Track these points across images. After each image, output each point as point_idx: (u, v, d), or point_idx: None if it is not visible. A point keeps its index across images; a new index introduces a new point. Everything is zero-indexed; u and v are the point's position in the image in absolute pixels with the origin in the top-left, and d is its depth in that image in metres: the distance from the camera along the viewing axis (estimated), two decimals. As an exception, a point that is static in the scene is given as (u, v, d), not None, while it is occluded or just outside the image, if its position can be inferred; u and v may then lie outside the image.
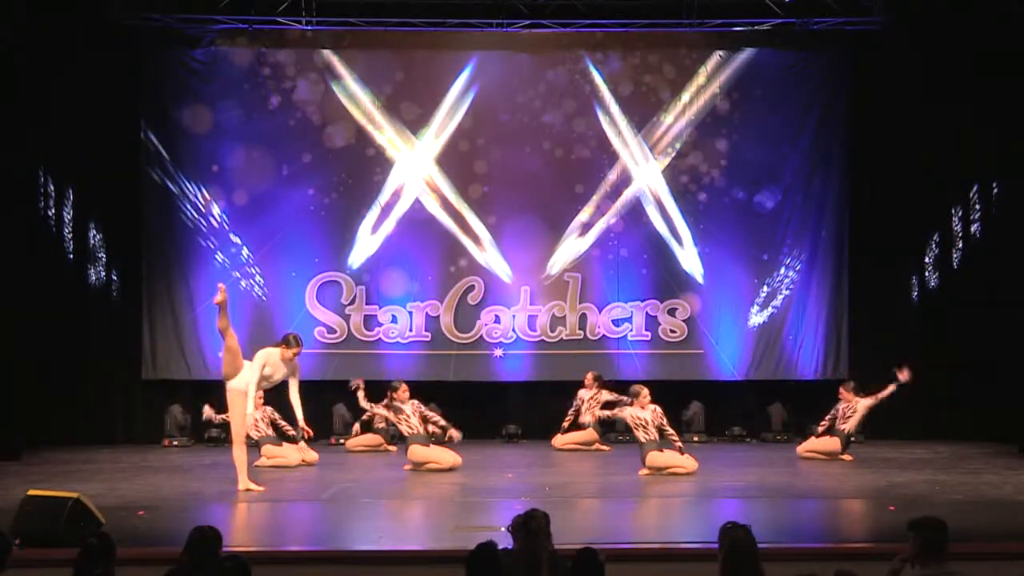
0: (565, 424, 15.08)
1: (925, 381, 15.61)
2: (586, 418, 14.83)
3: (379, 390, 15.57)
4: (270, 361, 11.65)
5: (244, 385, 11.55)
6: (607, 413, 13.50)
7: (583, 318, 16.06)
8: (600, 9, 15.49)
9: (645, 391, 12.84)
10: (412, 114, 15.98)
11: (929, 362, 15.69)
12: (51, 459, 13.78)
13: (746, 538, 5.81)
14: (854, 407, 13.88)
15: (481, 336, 16.01)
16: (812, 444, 14.00)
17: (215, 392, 15.87)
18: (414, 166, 15.99)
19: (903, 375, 13.57)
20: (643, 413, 12.64)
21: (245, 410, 11.68)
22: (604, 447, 15.13)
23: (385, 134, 15.98)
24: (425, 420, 13.21)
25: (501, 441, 15.83)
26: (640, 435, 12.58)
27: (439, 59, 16.08)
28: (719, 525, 5.99)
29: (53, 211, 15.47)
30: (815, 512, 10.85)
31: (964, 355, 15.38)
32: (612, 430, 15.72)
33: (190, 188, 15.78)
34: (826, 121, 15.91)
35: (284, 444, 13.86)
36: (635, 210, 16.06)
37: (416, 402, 13.37)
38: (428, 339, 16.01)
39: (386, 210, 15.99)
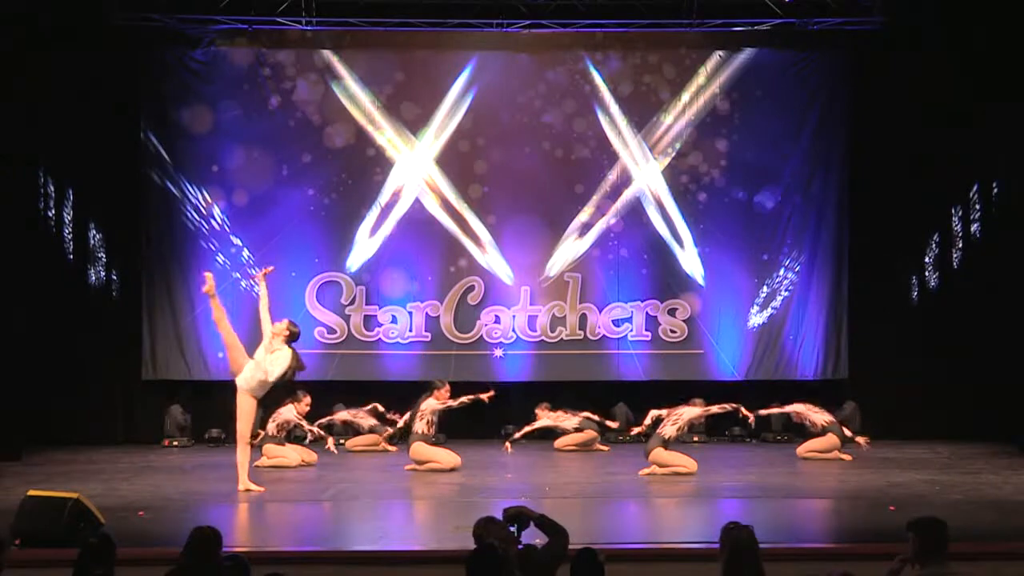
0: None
1: (925, 381, 15.68)
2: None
3: (380, 390, 15.67)
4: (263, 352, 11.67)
5: (245, 384, 11.56)
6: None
7: (583, 318, 16.06)
8: (600, 9, 15.49)
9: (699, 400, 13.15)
10: (412, 114, 15.98)
11: (929, 362, 15.73)
12: (51, 459, 13.79)
13: (748, 539, 5.84)
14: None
15: (481, 336, 16.01)
16: (812, 444, 14.03)
17: (215, 393, 15.94)
18: (414, 166, 15.99)
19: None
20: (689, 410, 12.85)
21: (251, 410, 11.67)
22: (604, 447, 15.13)
23: (385, 134, 15.98)
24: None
25: (501, 441, 15.81)
26: (667, 428, 12.60)
27: (439, 59, 16.07)
28: (719, 525, 6.02)
29: (53, 211, 15.49)
30: (815, 512, 10.88)
31: (964, 355, 15.38)
32: (612, 429, 15.74)
33: (190, 188, 15.78)
34: (826, 121, 15.90)
35: (285, 444, 13.87)
36: (635, 210, 16.05)
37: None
38: (428, 339, 16.00)
39: (386, 210, 15.98)
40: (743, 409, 12.61)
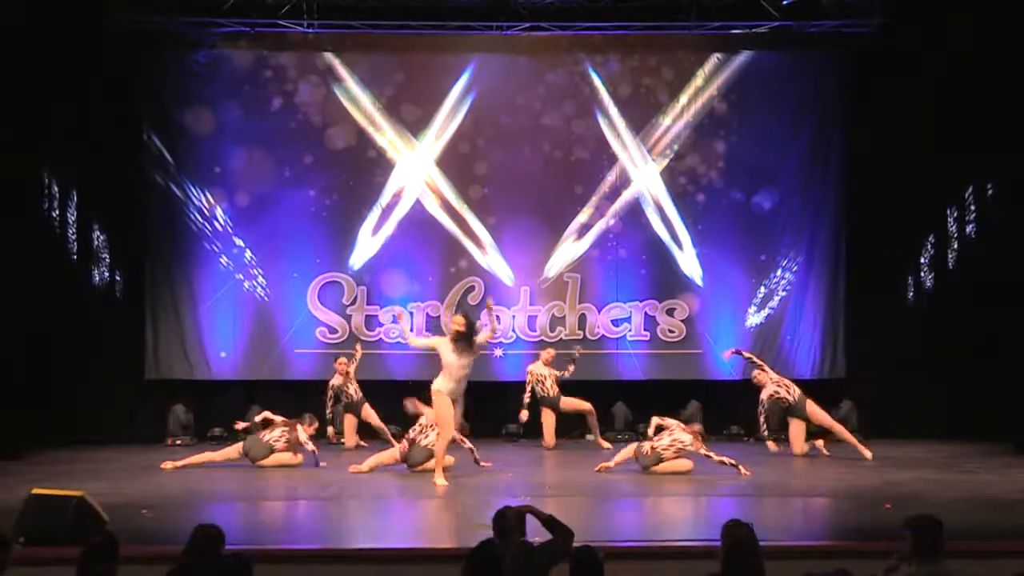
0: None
1: (921, 380, 15.78)
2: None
3: (381, 389, 15.74)
4: (442, 347, 11.75)
5: (443, 387, 11.64)
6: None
7: (582, 318, 16.16)
8: (599, 12, 15.58)
9: (698, 427, 12.87)
10: (413, 116, 16.07)
11: (925, 361, 15.83)
12: (55, 458, 13.84)
13: (748, 536, 5.87)
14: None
15: (481, 336, 16.08)
16: (794, 436, 14.08)
17: (218, 392, 16.04)
18: (415, 168, 16.08)
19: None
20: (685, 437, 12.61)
21: (450, 409, 11.73)
22: (607, 444, 15.12)
23: (386, 136, 16.07)
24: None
25: (501, 440, 15.90)
26: (668, 452, 12.56)
27: (439, 61, 16.17)
28: (718, 523, 6.04)
29: (57, 212, 15.58)
30: (812, 510, 10.93)
31: (959, 354, 15.47)
32: (611, 428, 15.81)
33: (192, 190, 15.87)
34: (823, 123, 16.01)
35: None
36: (634, 211, 16.15)
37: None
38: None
39: (387, 211, 16.08)
40: (742, 468, 12.35)
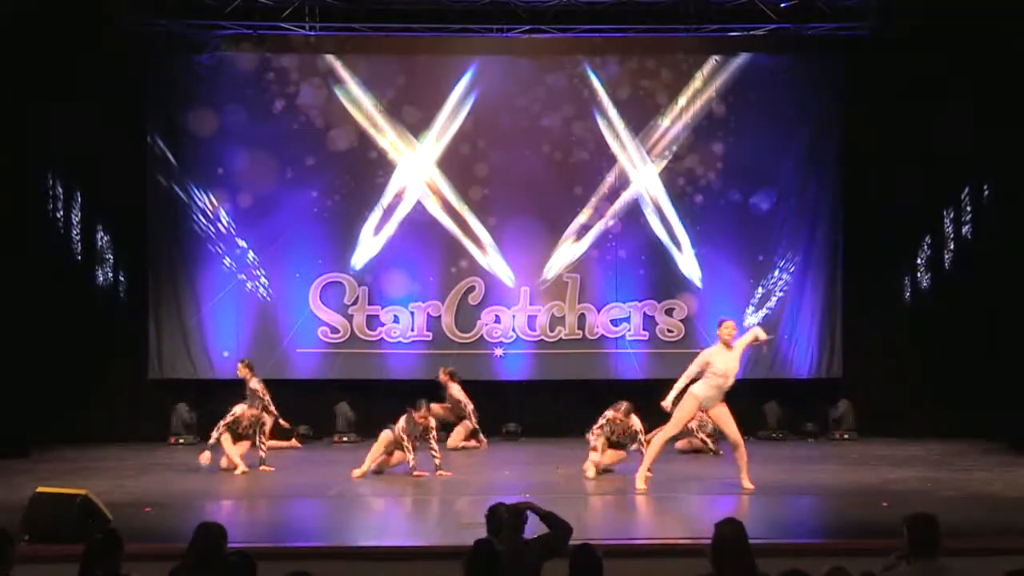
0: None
1: (917, 379, 15.86)
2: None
3: (382, 389, 15.84)
4: (715, 357, 11.72)
5: (699, 392, 11.69)
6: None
7: (582, 318, 16.23)
8: (598, 15, 15.65)
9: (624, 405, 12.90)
10: (414, 118, 16.15)
11: (921, 361, 15.91)
12: (59, 457, 13.95)
13: (734, 533, 5.93)
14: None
15: (481, 336, 16.18)
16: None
17: (220, 391, 16.09)
18: (416, 169, 16.17)
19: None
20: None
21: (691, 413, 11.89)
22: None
23: (387, 137, 16.16)
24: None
25: (501, 439, 15.99)
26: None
27: (440, 64, 16.25)
28: (714, 521, 6.12)
29: (61, 213, 15.68)
30: (809, 508, 11.02)
31: (955, 354, 15.54)
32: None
33: (196, 191, 15.95)
34: (820, 124, 16.07)
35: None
36: (633, 212, 16.23)
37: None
38: (429, 339, 16.18)
39: (388, 212, 16.17)
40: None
